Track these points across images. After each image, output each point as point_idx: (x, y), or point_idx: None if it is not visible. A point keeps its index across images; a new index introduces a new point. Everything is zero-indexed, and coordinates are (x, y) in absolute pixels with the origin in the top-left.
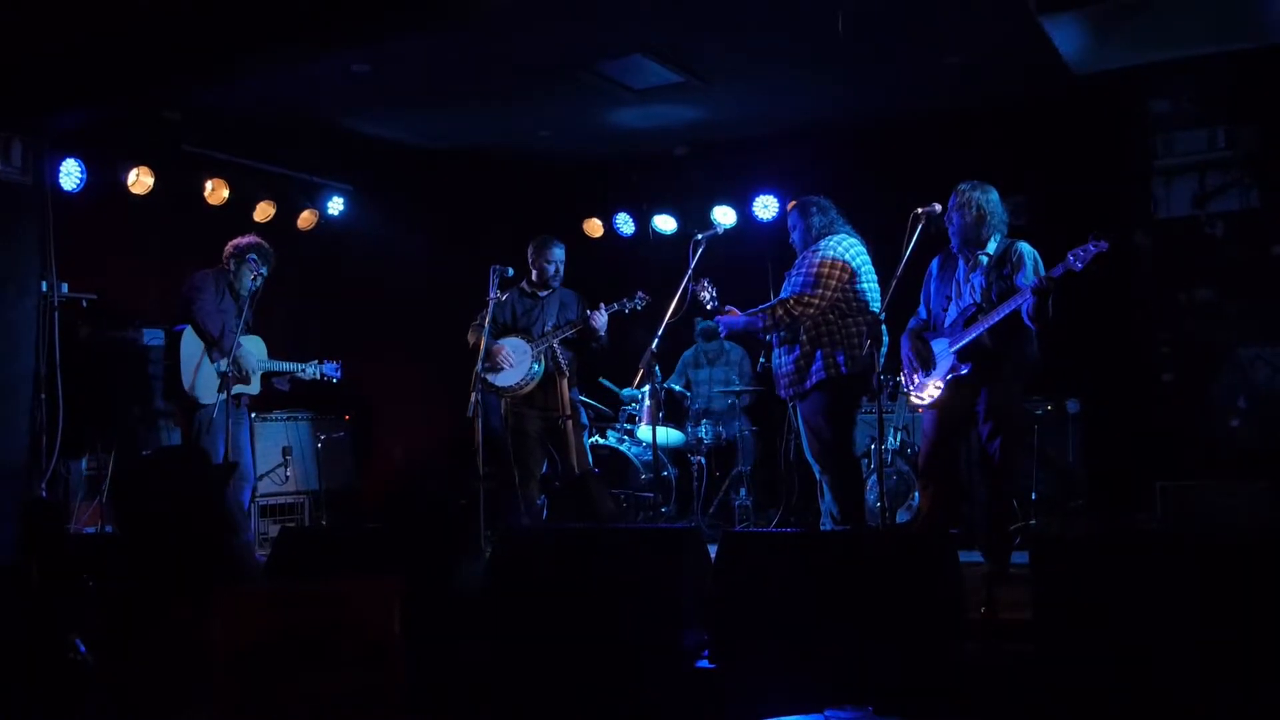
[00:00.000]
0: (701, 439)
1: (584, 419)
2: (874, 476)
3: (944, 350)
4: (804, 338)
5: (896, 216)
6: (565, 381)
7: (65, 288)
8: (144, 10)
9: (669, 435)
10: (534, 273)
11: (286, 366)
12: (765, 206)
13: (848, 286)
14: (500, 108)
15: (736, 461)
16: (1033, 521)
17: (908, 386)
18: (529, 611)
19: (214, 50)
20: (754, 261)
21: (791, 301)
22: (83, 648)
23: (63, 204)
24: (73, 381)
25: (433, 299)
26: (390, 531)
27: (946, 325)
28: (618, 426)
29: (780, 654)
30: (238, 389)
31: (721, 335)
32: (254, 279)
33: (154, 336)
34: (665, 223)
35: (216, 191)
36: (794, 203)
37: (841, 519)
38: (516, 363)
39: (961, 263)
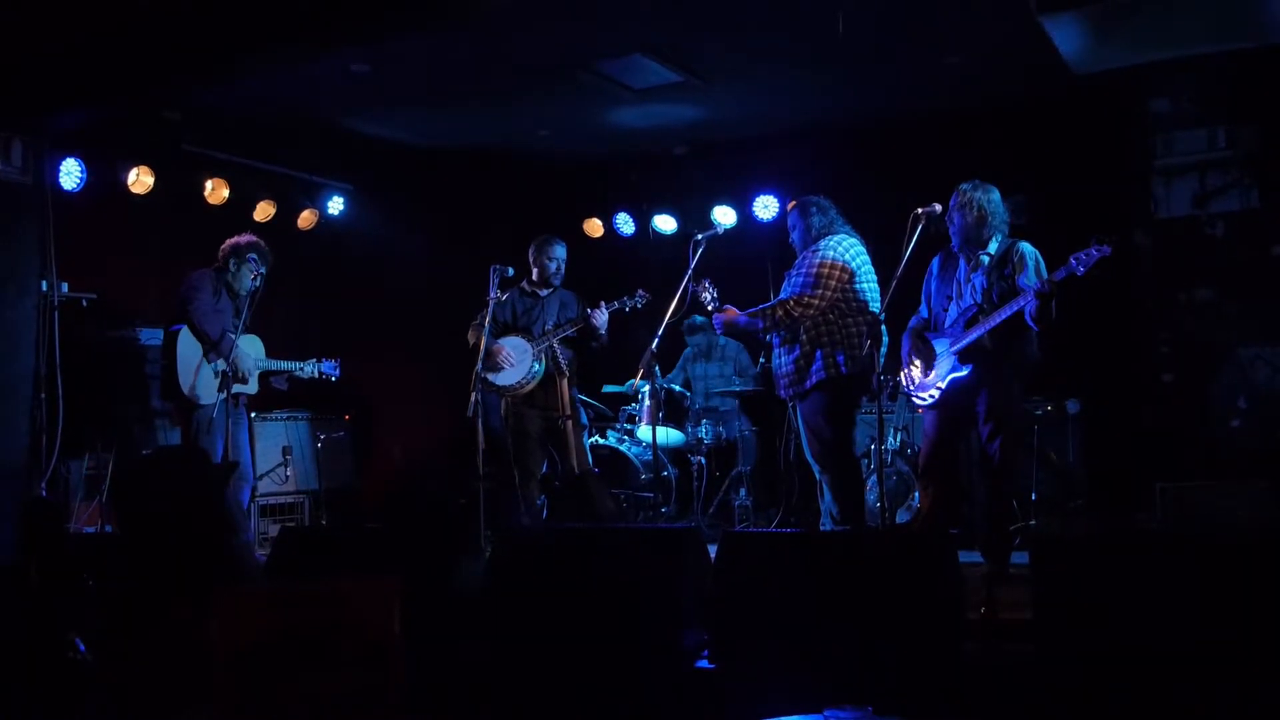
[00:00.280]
0: (701, 439)
1: (583, 419)
2: (874, 476)
3: (945, 350)
4: (804, 338)
5: (897, 216)
6: (565, 381)
7: (65, 287)
8: (144, 10)
9: (669, 435)
10: (535, 271)
11: (284, 365)
12: (765, 206)
13: (847, 287)
14: (500, 107)
15: (736, 461)
16: (1032, 522)
17: (907, 386)
18: (529, 611)
19: (214, 50)
20: (754, 261)
21: (791, 302)
22: (83, 648)
23: (63, 204)
24: (73, 381)
25: (433, 299)
26: (390, 531)
27: (947, 325)
28: (618, 426)
29: (780, 654)
30: (235, 389)
31: (719, 333)
32: (254, 279)
33: (153, 336)
34: (665, 223)
35: (217, 191)
36: (794, 203)
37: (841, 519)
38: (517, 362)
39: (962, 263)
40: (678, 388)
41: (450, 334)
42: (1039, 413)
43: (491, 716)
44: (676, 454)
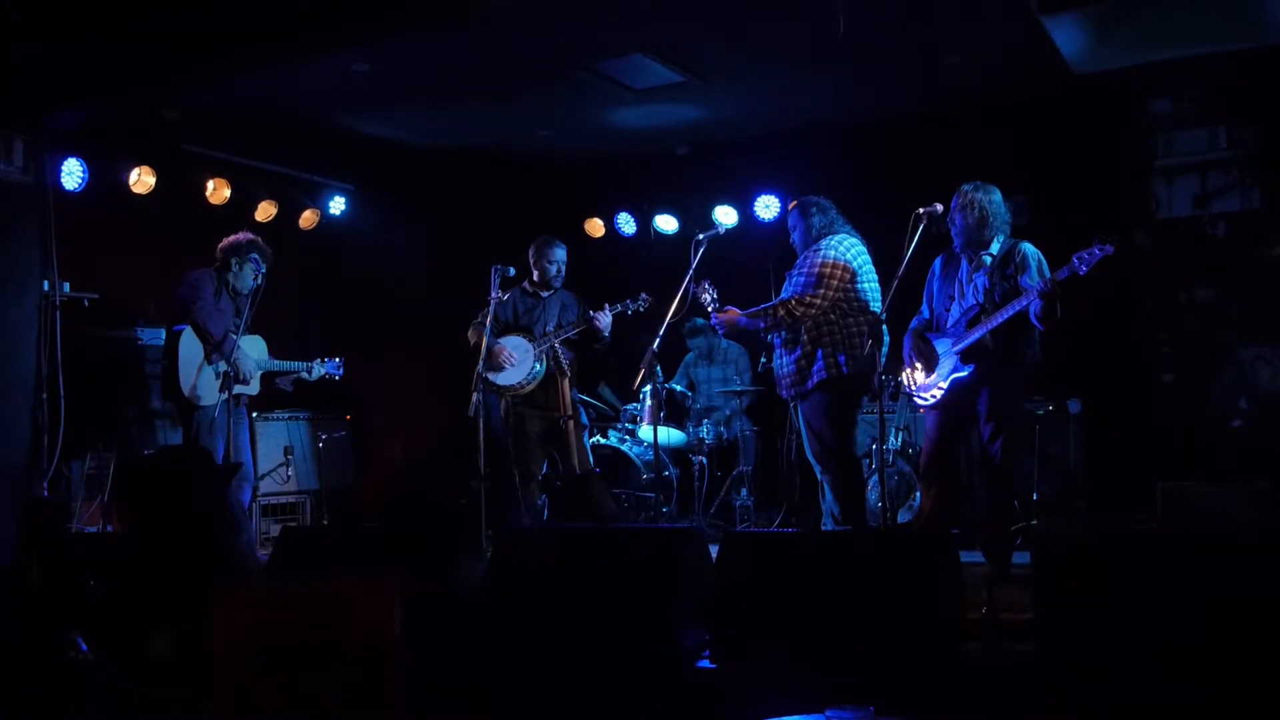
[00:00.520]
0: (703, 439)
1: (584, 419)
2: (875, 476)
3: (947, 350)
4: (805, 338)
5: (897, 217)
6: (566, 381)
7: (66, 287)
8: (144, 10)
9: (670, 435)
10: (535, 273)
11: (290, 366)
12: (767, 206)
13: (848, 287)
14: (501, 107)
15: (738, 461)
16: (1034, 522)
17: (909, 387)
18: (530, 611)
19: (214, 50)
20: (755, 262)
21: (793, 302)
22: (83, 647)
23: (64, 203)
24: (74, 381)
25: (434, 299)
26: (391, 531)
27: (949, 326)
28: (619, 426)
29: (781, 654)
30: (237, 389)
31: (720, 334)
32: (256, 278)
33: (155, 336)
34: (666, 223)
35: (218, 191)
36: (794, 203)
37: (842, 519)
38: (518, 362)
39: (964, 263)
40: (680, 388)
41: (451, 334)
42: (1040, 413)
43: (492, 717)
44: (678, 454)
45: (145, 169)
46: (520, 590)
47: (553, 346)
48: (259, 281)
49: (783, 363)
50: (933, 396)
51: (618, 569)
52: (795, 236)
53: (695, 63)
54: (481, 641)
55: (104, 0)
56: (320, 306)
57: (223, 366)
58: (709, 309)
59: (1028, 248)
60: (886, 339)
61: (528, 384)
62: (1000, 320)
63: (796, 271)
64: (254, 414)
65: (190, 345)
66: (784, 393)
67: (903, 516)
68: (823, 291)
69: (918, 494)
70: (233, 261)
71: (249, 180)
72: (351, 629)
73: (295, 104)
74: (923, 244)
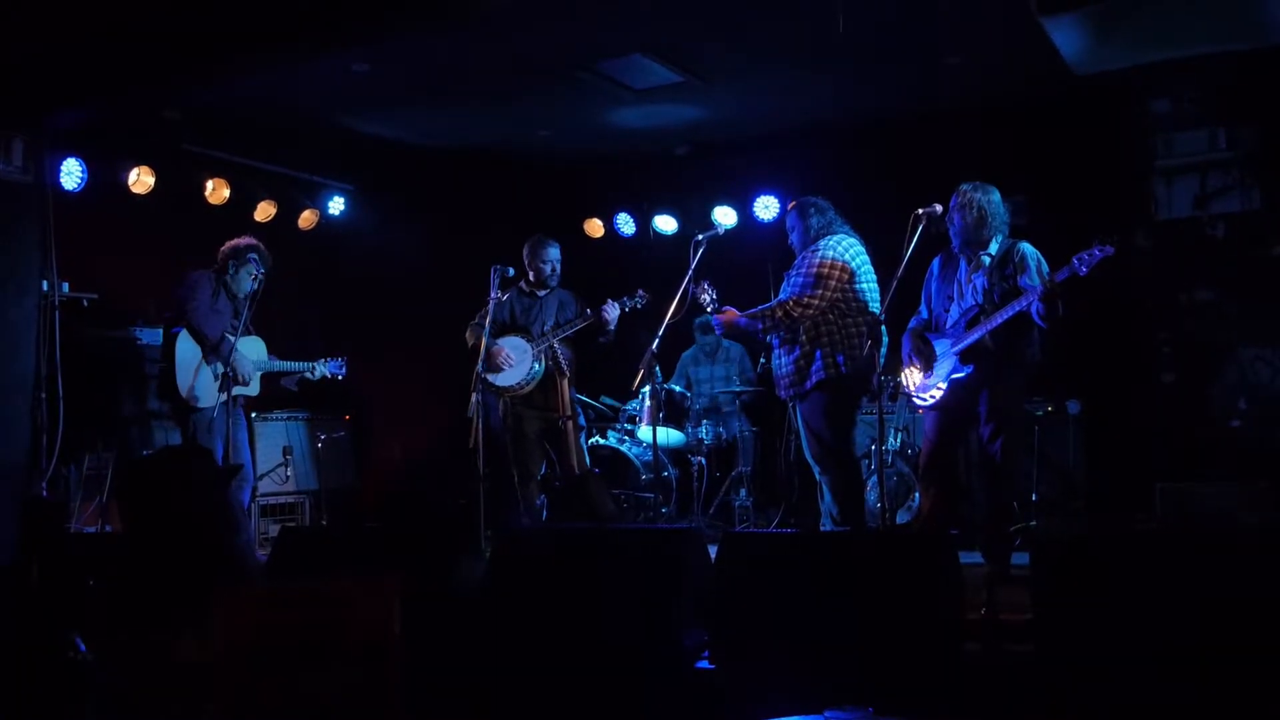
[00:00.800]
0: (702, 439)
1: (581, 419)
2: (874, 477)
3: (946, 351)
4: (803, 338)
5: (897, 217)
6: (566, 381)
7: (66, 287)
8: (144, 10)
9: (669, 436)
10: (531, 273)
11: (295, 367)
12: (766, 207)
13: (847, 287)
14: (501, 107)
15: (737, 462)
16: (1033, 522)
17: (908, 387)
18: (529, 612)
19: (214, 50)
20: (754, 262)
21: (791, 303)
22: (83, 647)
23: (63, 203)
24: (73, 381)
25: (433, 299)
26: (390, 531)
27: (948, 326)
28: (618, 427)
29: (780, 655)
30: (235, 390)
31: (719, 334)
32: (253, 281)
33: (154, 336)
34: (666, 223)
35: (217, 191)
36: (793, 203)
37: (841, 520)
38: (517, 362)
39: (963, 263)
40: (679, 389)
41: (451, 334)
42: (1040, 413)
43: (491, 717)
44: (677, 454)
45: (145, 169)
46: (520, 591)
47: (552, 346)
48: (255, 285)
49: (781, 363)
50: (932, 397)
51: (617, 569)
52: (794, 237)
53: (695, 63)
54: (481, 642)
55: (104, 0)
56: (320, 307)
57: (220, 368)
58: (708, 309)
59: (1026, 248)
60: (885, 339)
61: (526, 385)
62: (1000, 321)
63: (795, 272)
64: (253, 414)
65: (187, 346)
66: (782, 393)
67: (902, 517)
68: (821, 292)
69: (917, 495)
70: (231, 264)
71: (248, 180)
72: (351, 629)
73: (295, 104)
74: (922, 244)
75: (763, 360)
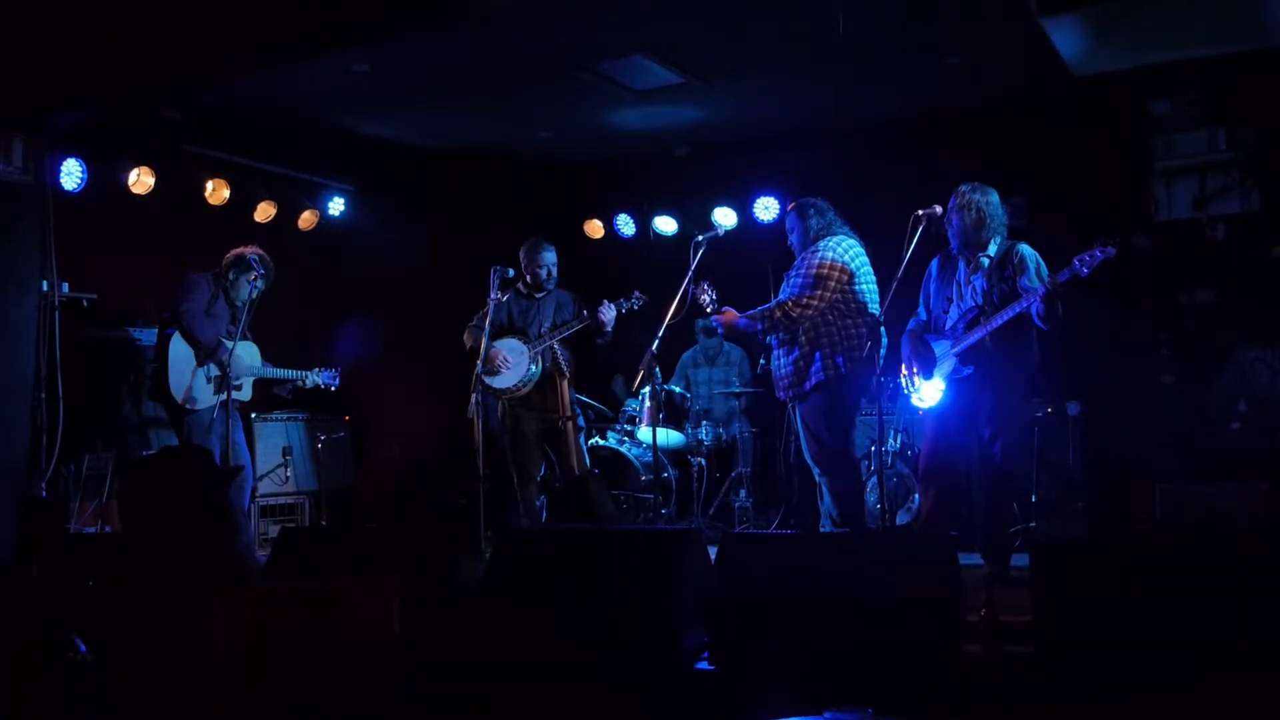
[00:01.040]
0: (702, 440)
1: (580, 420)
2: (874, 478)
3: (945, 352)
4: (803, 339)
5: (897, 218)
6: (565, 382)
7: (66, 287)
8: (144, 10)
9: (669, 437)
10: (527, 276)
11: (287, 374)
12: (766, 208)
13: (846, 288)
14: (501, 108)
15: (736, 463)
16: (1033, 524)
17: (908, 388)
18: (528, 613)
19: (214, 50)
20: (754, 263)
21: (791, 304)
22: (83, 648)
23: (63, 204)
24: (73, 381)
25: (433, 300)
26: (390, 532)
27: (947, 327)
28: (618, 428)
29: (780, 656)
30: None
31: (720, 335)
32: (251, 290)
33: (152, 337)
34: (666, 224)
35: (217, 191)
36: (792, 204)
37: (841, 521)
38: (514, 364)
39: (962, 264)
40: (679, 390)
41: (450, 335)
42: (1039, 414)
43: (491, 718)
44: (676, 455)
45: (145, 169)
46: (519, 591)
47: (551, 347)
48: (253, 295)
49: (780, 364)
50: (932, 398)
51: (617, 570)
52: (793, 238)
53: (695, 64)
54: (480, 642)
55: (104, 0)
56: (320, 307)
57: (214, 369)
58: (708, 310)
59: (1025, 249)
60: (885, 340)
61: (523, 386)
62: (1000, 322)
63: (794, 273)
64: (252, 415)
65: (180, 348)
66: (782, 394)
67: (901, 518)
68: (820, 293)
69: (916, 496)
70: (233, 271)
71: (248, 180)
72: (351, 629)
73: (295, 104)
74: (922, 245)
75: (762, 362)
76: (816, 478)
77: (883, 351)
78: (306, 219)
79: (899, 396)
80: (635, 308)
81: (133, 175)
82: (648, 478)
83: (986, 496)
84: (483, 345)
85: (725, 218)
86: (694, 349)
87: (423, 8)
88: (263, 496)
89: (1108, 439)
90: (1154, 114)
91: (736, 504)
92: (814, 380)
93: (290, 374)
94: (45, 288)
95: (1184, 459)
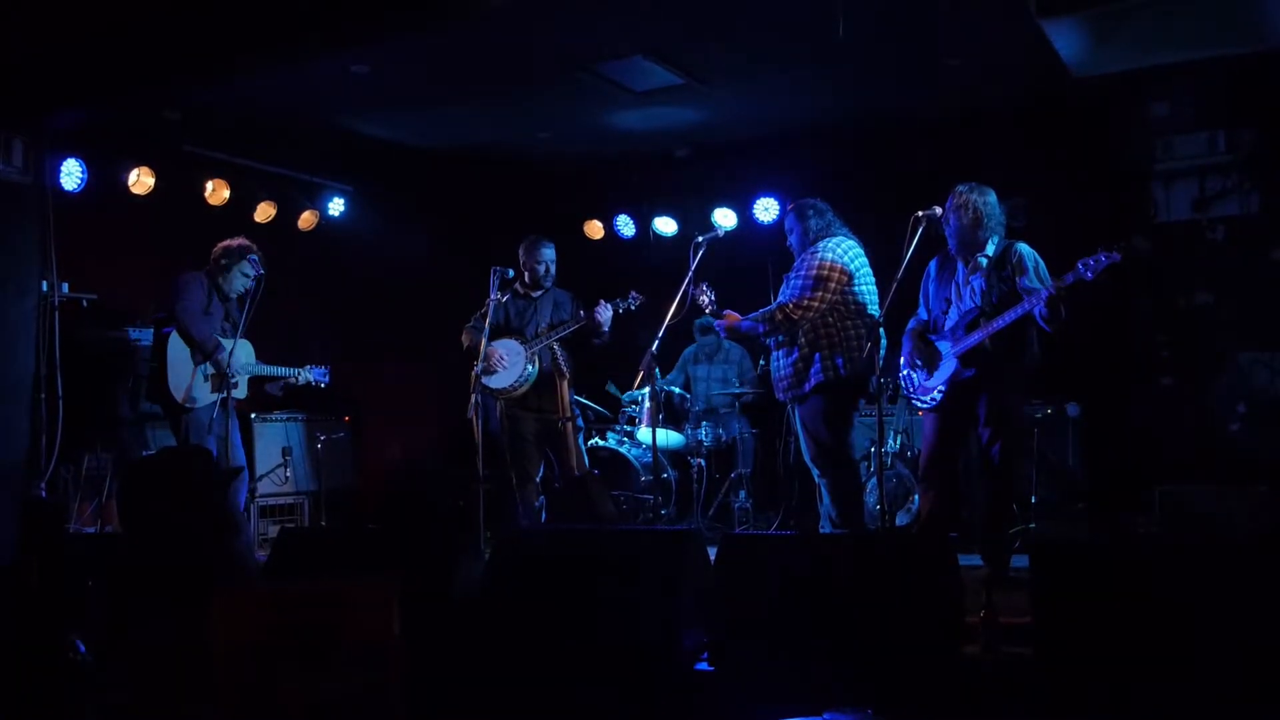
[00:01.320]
0: (701, 441)
1: (579, 420)
2: (874, 479)
3: (946, 353)
4: (802, 341)
5: (897, 219)
6: (565, 383)
7: (65, 288)
8: (144, 10)
9: (669, 437)
10: (526, 274)
11: (279, 371)
12: (766, 209)
13: (846, 289)
14: (501, 109)
15: (736, 464)
16: (1032, 525)
17: (908, 389)
18: (528, 613)
19: (214, 50)
20: (754, 264)
21: (791, 305)
22: (83, 648)
23: (64, 204)
24: (73, 382)
25: (433, 300)
26: (389, 532)
27: (947, 328)
28: (617, 428)
29: (780, 657)
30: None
31: (722, 337)
32: (248, 280)
33: (149, 336)
34: (666, 225)
35: (217, 192)
36: (791, 205)
37: (841, 522)
38: (510, 364)
39: (960, 265)
40: (677, 390)
41: (450, 336)
42: (1039, 416)
43: (491, 718)
44: (676, 456)
45: (144, 170)
46: (519, 592)
47: (551, 348)
48: (247, 285)
49: (780, 365)
50: (932, 399)
51: (616, 571)
52: (792, 239)
53: (695, 65)
54: (480, 643)
55: (104, 0)
56: (320, 307)
57: (210, 368)
58: (707, 311)
59: (1023, 248)
60: (884, 342)
61: (519, 386)
62: (1001, 325)
63: (794, 274)
64: (252, 415)
65: (179, 347)
66: (781, 395)
67: (901, 519)
68: (820, 294)
69: (916, 497)
70: (223, 262)
71: (248, 181)
72: (350, 630)
73: (295, 105)
74: (922, 246)
75: (762, 362)
76: (816, 479)
77: (882, 352)
78: (306, 219)
79: (898, 397)
80: (632, 308)
81: (133, 176)
82: (647, 478)
83: (986, 498)
84: (481, 345)
85: (725, 218)
86: (694, 346)
87: (423, 8)
88: (262, 497)
89: (1107, 441)
90: (1153, 116)
91: (736, 505)
92: (813, 381)
93: (283, 371)
94: (45, 288)
95: (1183, 460)
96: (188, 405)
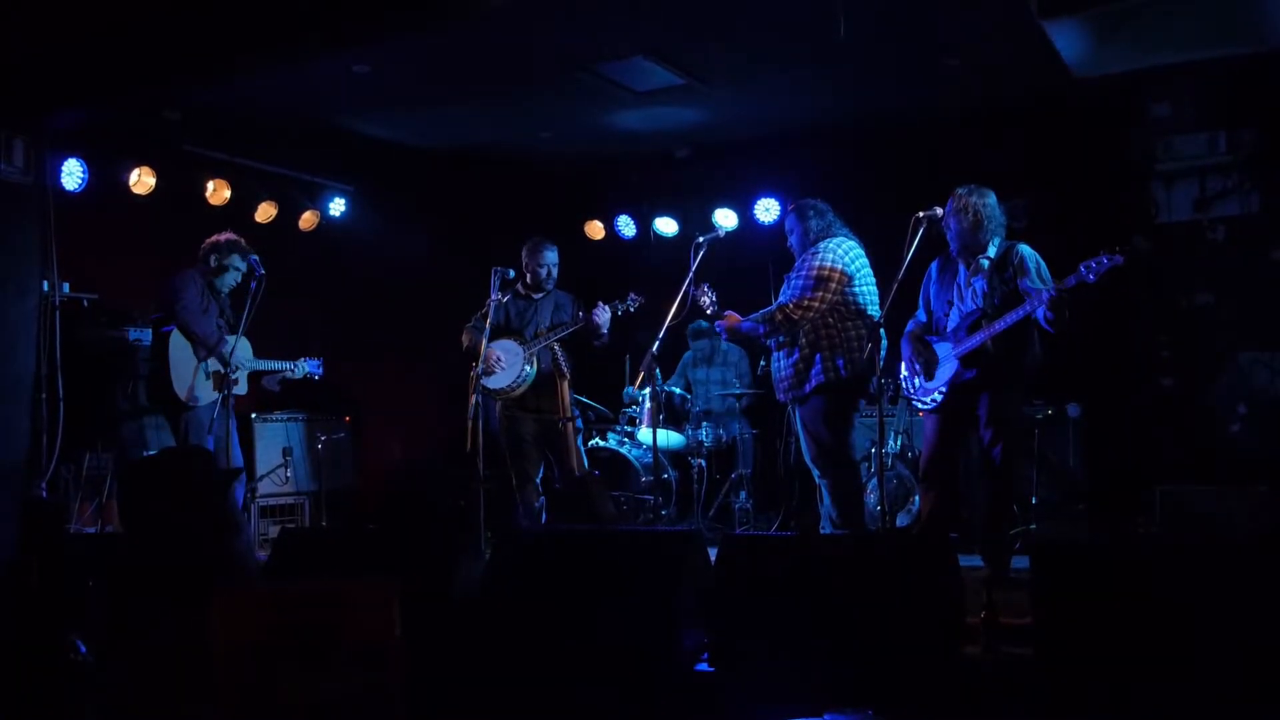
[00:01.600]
0: (702, 442)
1: (579, 421)
2: (874, 480)
3: (947, 354)
4: (803, 341)
5: (898, 220)
6: (565, 384)
7: (66, 287)
8: (144, 10)
9: (669, 438)
10: (527, 275)
11: (275, 366)
12: (767, 209)
13: (846, 290)
14: (502, 109)
15: (736, 464)
16: (1032, 526)
17: (908, 390)
18: (528, 614)
19: (214, 50)
20: (755, 265)
21: (791, 306)
22: (83, 648)
23: (64, 204)
24: (73, 381)
25: (434, 300)
26: (390, 533)
27: (949, 329)
28: (618, 429)
29: (780, 657)
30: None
31: (722, 338)
32: (236, 276)
33: (148, 336)
34: (666, 225)
35: (218, 192)
36: (792, 206)
37: (841, 523)
38: (508, 365)
39: (961, 267)
40: (679, 391)
41: (451, 336)
42: (1039, 416)
43: (491, 718)
44: (677, 457)
45: (145, 169)
46: (519, 592)
47: (551, 349)
48: (237, 281)
49: (780, 366)
50: (933, 400)
51: (616, 571)
52: (793, 240)
53: (696, 65)
54: (480, 643)
55: (104, 0)
56: (320, 308)
57: (213, 365)
58: (708, 312)
59: (1025, 249)
60: (885, 343)
61: (517, 387)
62: (1003, 326)
63: (795, 275)
64: (253, 415)
65: (180, 345)
66: (781, 396)
67: (901, 520)
68: (822, 294)
69: (916, 498)
70: (212, 259)
71: (249, 181)
72: (351, 630)
73: (296, 105)
74: (923, 248)
75: (763, 363)
76: (816, 479)
77: (883, 353)
78: (307, 219)
79: (899, 398)
80: (631, 310)
81: (134, 175)
82: (648, 479)
83: (986, 498)
84: (481, 346)
85: (726, 219)
86: (690, 351)
87: (423, 8)
88: (263, 497)
89: (1108, 441)
90: (1154, 116)
91: (736, 505)
92: (814, 382)
93: (280, 365)
94: (46, 288)
95: (1184, 461)
96: (190, 404)
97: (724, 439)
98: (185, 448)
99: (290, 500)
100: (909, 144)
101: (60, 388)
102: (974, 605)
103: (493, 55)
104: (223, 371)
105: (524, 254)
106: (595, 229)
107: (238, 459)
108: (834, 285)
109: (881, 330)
